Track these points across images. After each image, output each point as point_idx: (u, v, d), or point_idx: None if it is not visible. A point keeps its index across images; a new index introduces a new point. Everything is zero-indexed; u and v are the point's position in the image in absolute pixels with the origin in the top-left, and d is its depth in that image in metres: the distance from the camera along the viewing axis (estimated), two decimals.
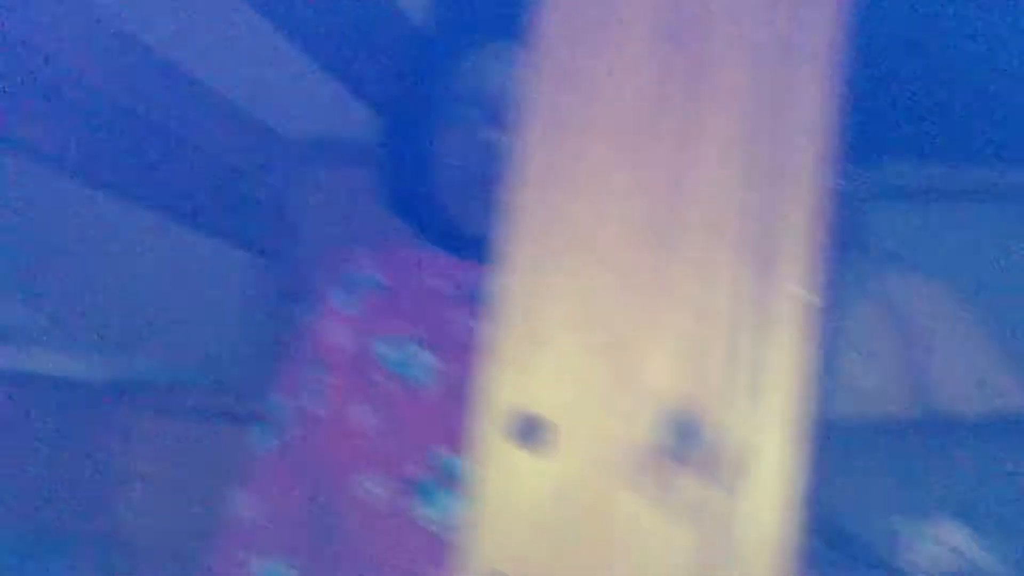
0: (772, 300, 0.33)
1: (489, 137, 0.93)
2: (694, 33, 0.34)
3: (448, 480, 0.88)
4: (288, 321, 1.47)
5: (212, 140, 1.26)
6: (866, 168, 1.30)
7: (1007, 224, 1.38)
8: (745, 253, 0.33)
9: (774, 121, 0.34)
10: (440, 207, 0.99)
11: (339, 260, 0.98)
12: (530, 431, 0.33)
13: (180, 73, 1.16)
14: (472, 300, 0.94)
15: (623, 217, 0.34)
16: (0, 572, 1.14)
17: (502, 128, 0.91)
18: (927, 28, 1.17)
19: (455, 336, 0.91)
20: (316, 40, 1.30)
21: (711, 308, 0.33)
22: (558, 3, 0.35)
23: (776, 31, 0.34)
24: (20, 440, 1.12)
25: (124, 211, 1.20)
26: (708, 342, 0.33)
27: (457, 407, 0.87)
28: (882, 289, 1.08)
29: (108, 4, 1.04)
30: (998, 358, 1.05)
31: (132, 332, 1.64)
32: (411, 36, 1.65)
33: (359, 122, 1.59)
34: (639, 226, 0.34)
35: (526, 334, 0.35)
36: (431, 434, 0.88)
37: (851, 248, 1.14)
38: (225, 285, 1.57)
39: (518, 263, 0.35)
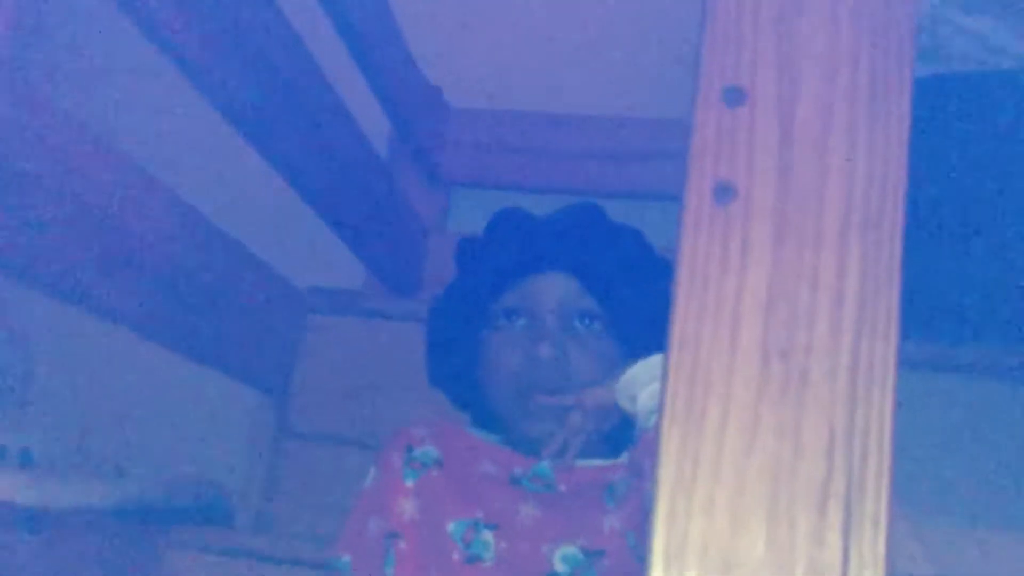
0: (869, 559, 0.41)
1: (533, 348, 1.08)
2: (798, 351, 0.46)
3: None
4: (291, 457, 1.55)
5: (231, 286, 1.36)
6: None
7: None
8: (839, 515, 0.43)
9: (851, 431, 0.44)
10: (487, 403, 1.13)
11: (401, 435, 1.11)
12: None
13: (205, 224, 1.26)
14: (518, 485, 1.06)
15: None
16: None
17: (544, 340, 1.07)
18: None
19: (509, 517, 1.05)
20: (325, 201, 1.43)
21: (821, 563, 0.42)
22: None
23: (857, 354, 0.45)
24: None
25: (137, 345, 1.27)
26: None
27: None
28: None
29: (140, 151, 1.13)
30: None
31: (142, 462, 1.71)
32: (403, 204, 1.78)
33: (360, 275, 1.71)
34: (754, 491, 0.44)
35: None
36: None
37: None
38: (235, 420, 1.66)
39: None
